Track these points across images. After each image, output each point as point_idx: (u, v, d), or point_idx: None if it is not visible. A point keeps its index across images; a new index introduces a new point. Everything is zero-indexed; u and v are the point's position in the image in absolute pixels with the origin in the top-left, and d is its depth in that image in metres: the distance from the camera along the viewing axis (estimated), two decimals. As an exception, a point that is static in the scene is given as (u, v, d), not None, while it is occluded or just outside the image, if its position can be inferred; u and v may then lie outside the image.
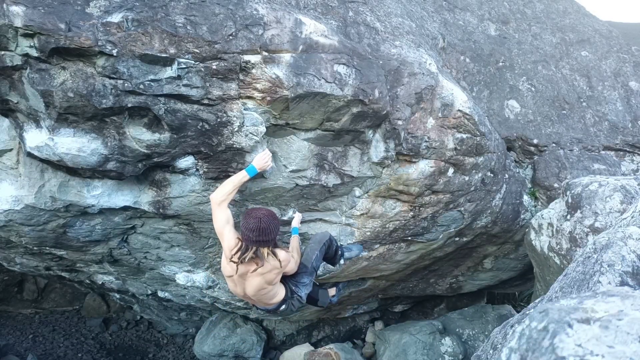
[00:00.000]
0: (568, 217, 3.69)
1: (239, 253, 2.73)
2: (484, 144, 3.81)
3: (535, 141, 4.73)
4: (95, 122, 2.70)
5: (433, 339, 5.97)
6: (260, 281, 2.90)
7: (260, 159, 3.00)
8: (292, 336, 7.07)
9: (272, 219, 2.73)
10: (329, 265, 4.01)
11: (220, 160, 3.08)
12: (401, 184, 3.69)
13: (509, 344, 1.07)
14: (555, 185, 4.57)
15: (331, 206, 3.82)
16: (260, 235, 2.65)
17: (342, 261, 4.07)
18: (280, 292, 3.16)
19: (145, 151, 2.87)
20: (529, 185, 4.79)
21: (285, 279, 3.25)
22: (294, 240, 3.41)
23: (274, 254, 2.80)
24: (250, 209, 2.80)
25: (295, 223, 3.58)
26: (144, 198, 3.32)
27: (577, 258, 2.17)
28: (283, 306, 3.28)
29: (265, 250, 2.73)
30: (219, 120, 2.82)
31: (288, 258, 2.94)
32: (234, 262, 2.74)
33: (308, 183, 3.44)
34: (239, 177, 2.94)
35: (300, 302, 3.37)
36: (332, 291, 4.25)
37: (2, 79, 2.57)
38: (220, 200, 2.89)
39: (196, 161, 3.06)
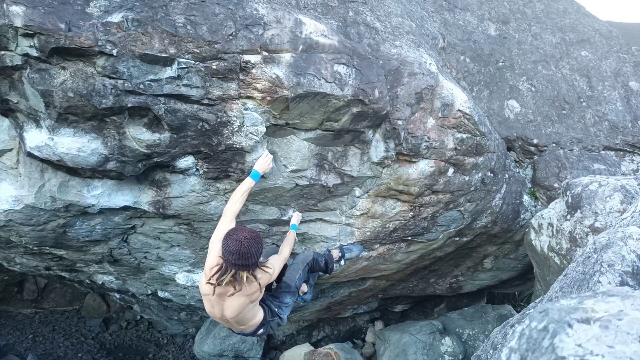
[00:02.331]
0: (568, 217, 3.69)
1: (217, 275, 2.57)
2: (484, 144, 3.81)
3: (535, 141, 4.73)
4: (95, 122, 2.70)
5: (433, 339, 5.97)
6: (243, 301, 2.73)
7: (262, 162, 3.02)
8: (292, 336, 7.07)
9: (254, 242, 2.55)
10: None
11: (220, 160, 3.07)
12: (401, 184, 3.68)
13: (509, 343, 1.07)
14: (555, 185, 4.57)
15: (331, 206, 3.82)
16: (240, 259, 2.49)
17: (343, 262, 4.08)
18: (259, 314, 3.00)
19: (145, 151, 2.87)
20: (529, 185, 4.79)
21: (267, 300, 3.13)
22: (290, 234, 3.43)
23: (254, 277, 2.65)
24: (233, 229, 2.62)
25: (294, 221, 3.60)
26: (144, 198, 3.32)
27: (577, 258, 2.17)
28: (261, 330, 3.12)
29: (244, 274, 2.57)
30: (219, 120, 2.82)
31: (267, 278, 2.79)
32: (211, 284, 2.58)
33: (308, 183, 3.44)
34: (246, 185, 2.95)
35: (279, 324, 3.24)
36: (304, 287, 4.14)
37: (2, 79, 2.57)
38: (234, 211, 2.86)
39: (196, 161, 3.06)
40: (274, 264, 2.93)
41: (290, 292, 3.28)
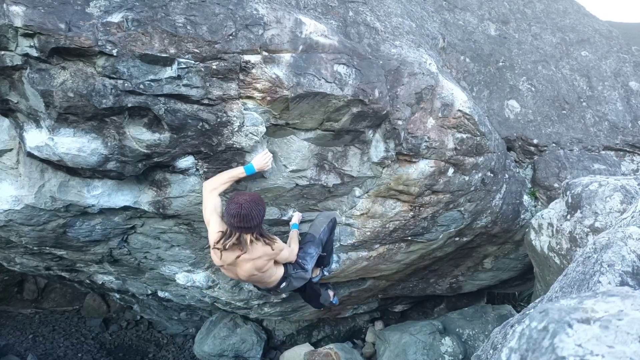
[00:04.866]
0: (568, 217, 3.69)
1: (222, 239, 2.67)
2: (484, 144, 3.81)
3: (535, 141, 4.73)
4: (95, 122, 2.70)
5: (433, 339, 5.97)
6: (250, 267, 2.83)
7: (260, 160, 3.01)
8: (292, 336, 7.07)
9: (255, 204, 2.62)
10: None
11: (220, 160, 3.07)
12: (401, 184, 3.69)
13: (509, 344, 1.07)
14: (555, 185, 4.57)
15: (331, 206, 3.82)
16: (242, 221, 2.58)
17: (326, 273, 4.05)
18: (278, 271, 3.08)
19: (145, 151, 2.87)
20: (529, 185, 4.79)
21: None
22: (294, 233, 3.44)
23: (264, 240, 2.73)
24: (235, 194, 2.70)
25: (295, 220, 3.60)
26: (144, 198, 3.32)
27: (577, 258, 2.17)
28: (283, 284, 3.20)
29: (248, 237, 2.66)
30: (219, 120, 2.82)
31: (281, 246, 2.87)
32: (217, 249, 2.68)
33: (308, 183, 3.44)
34: (236, 172, 2.96)
35: (303, 277, 3.28)
36: (332, 293, 4.19)
37: (2, 79, 2.57)
38: (212, 188, 2.88)
39: (196, 161, 3.06)
40: (283, 248, 2.97)
41: (314, 243, 3.31)
